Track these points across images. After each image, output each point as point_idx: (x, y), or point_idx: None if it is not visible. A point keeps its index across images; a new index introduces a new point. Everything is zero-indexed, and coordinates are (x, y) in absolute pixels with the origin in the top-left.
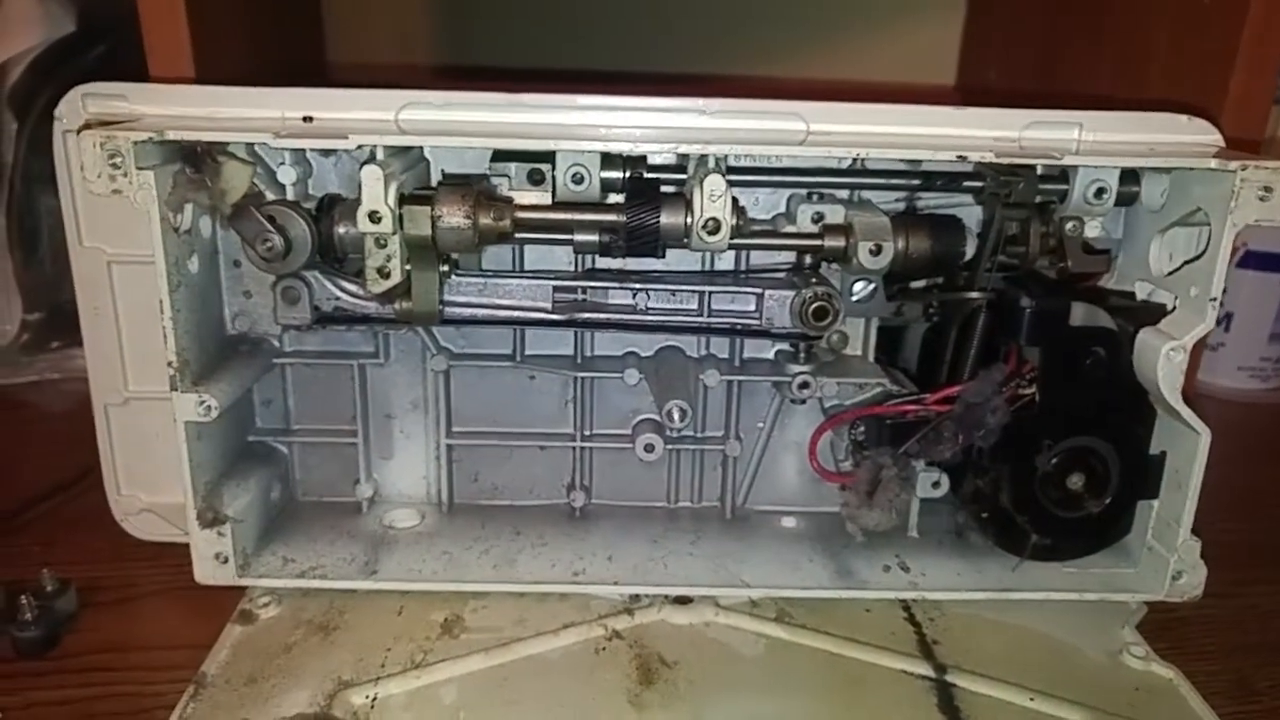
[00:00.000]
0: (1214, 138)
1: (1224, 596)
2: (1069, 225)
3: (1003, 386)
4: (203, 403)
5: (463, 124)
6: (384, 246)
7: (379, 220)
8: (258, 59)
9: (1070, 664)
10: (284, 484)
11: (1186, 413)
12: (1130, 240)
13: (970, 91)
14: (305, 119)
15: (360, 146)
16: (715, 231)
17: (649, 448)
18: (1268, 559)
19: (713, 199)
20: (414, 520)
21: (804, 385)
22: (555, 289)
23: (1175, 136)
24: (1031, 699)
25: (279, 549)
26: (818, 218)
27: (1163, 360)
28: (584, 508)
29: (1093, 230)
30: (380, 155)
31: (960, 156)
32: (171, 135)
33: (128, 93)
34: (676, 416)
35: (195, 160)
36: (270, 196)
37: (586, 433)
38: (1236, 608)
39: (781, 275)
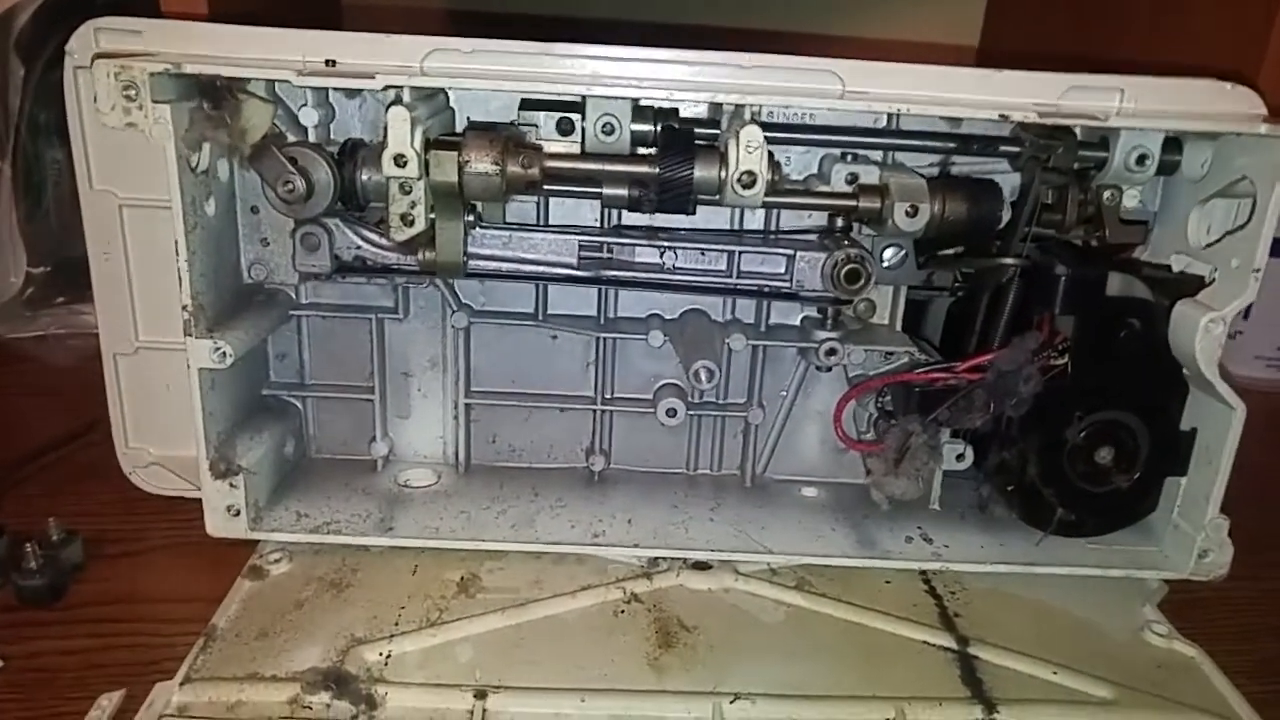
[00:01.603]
0: (1258, 106)
1: (1243, 579)
2: (1107, 194)
3: (1036, 355)
4: (218, 349)
5: (490, 72)
6: (409, 192)
7: (404, 164)
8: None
9: (1092, 640)
10: (298, 440)
11: (1222, 387)
12: (1167, 211)
13: (993, 55)
14: (328, 62)
15: (386, 88)
16: (751, 185)
17: (671, 412)
18: None
19: (749, 150)
20: (430, 479)
21: (831, 352)
22: (581, 245)
23: (1218, 105)
24: (1055, 673)
25: (292, 504)
26: (852, 178)
27: (1201, 332)
28: (603, 472)
29: (1130, 201)
30: (407, 97)
31: (1003, 115)
32: (190, 68)
33: (142, 28)
34: (704, 377)
35: (214, 96)
36: (291, 138)
37: (607, 395)
38: (1256, 591)
39: (812, 237)
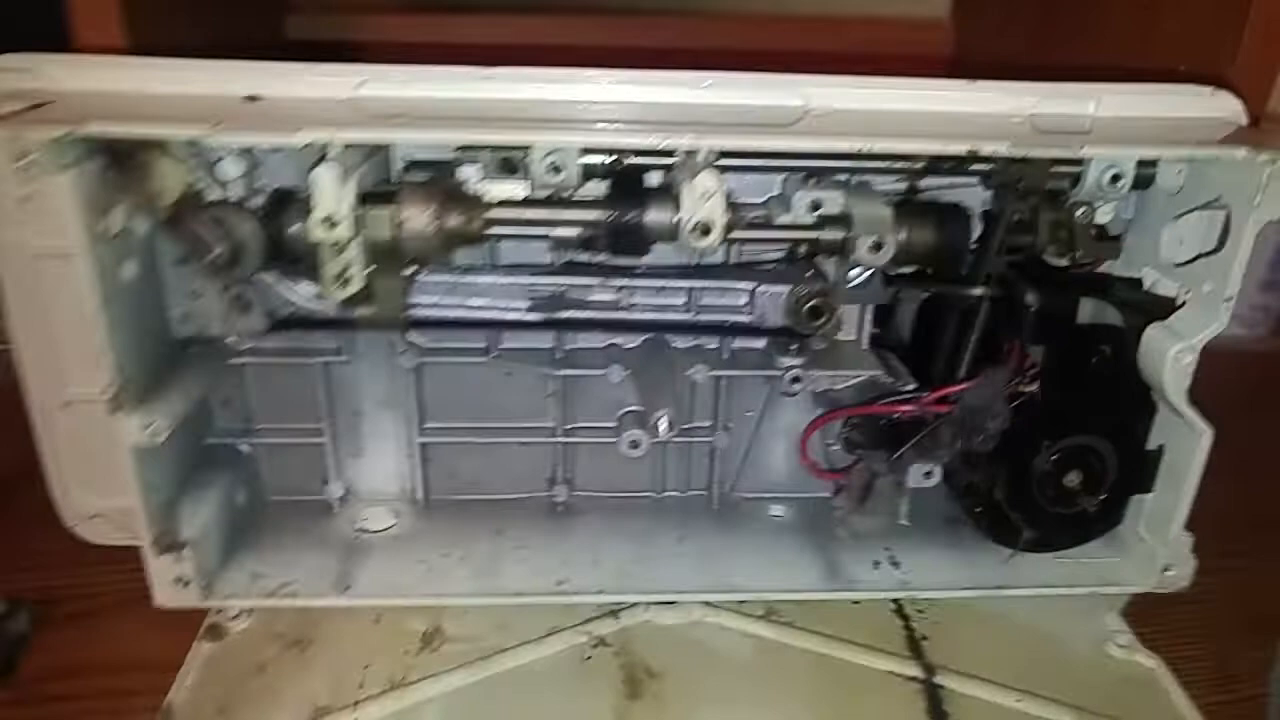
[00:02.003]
0: (1237, 111)
1: (1210, 570)
2: (1079, 211)
3: (1005, 389)
4: (149, 426)
5: (427, 102)
6: (342, 252)
7: (335, 225)
8: (204, 30)
9: (1056, 657)
10: (250, 485)
11: (1190, 414)
12: (1141, 222)
13: (964, 32)
14: (249, 98)
15: (310, 145)
16: (707, 233)
17: (634, 444)
18: (1255, 523)
19: (704, 199)
20: (389, 520)
21: (796, 379)
22: (532, 287)
23: (1197, 111)
24: (1018, 700)
25: (246, 561)
26: (815, 205)
27: (1170, 362)
28: (567, 501)
29: (1103, 215)
30: (334, 151)
31: (972, 151)
32: (92, 129)
33: (44, 65)
34: (663, 429)
35: (121, 156)
36: (213, 193)
37: (568, 426)
38: (1221, 583)
39: (773, 266)
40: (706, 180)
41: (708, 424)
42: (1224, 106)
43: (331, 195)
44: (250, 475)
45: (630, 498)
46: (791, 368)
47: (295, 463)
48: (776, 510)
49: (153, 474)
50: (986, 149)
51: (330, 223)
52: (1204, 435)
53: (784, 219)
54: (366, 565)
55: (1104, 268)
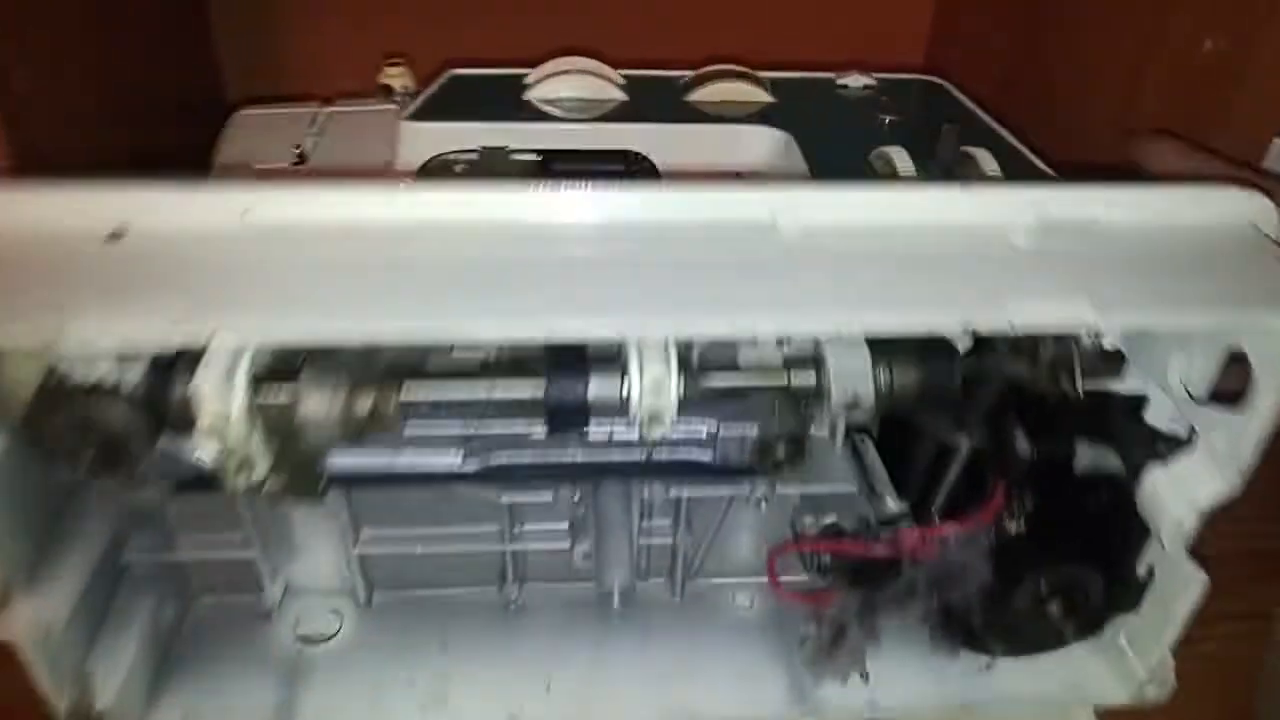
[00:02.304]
0: (1270, 219)
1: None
2: (1084, 334)
3: (988, 546)
4: (45, 614)
5: (325, 230)
6: (238, 448)
7: (223, 426)
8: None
9: None
10: (177, 595)
11: (1186, 566)
12: (1148, 338)
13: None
14: (112, 235)
15: (181, 353)
16: (658, 419)
17: (587, 556)
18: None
19: (655, 392)
20: (331, 626)
21: (762, 500)
22: (466, 437)
23: (1226, 218)
24: None
25: (176, 698)
26: (785, 339)
27: (1170, 520)
28: (518, 599)
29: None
30: (217, 341)
31: (965, 330)
32: None
33: None
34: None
35: None
36: (79, 370)
37: (516, 532)
38: (1196, 662)
39: (737, 399)
40: (657, 370)
41: (667, 524)
42: (1258, 212)
43: (217, 401)
44: (177, 584)
45: (587, 590)
46: (756, 488)
47: (225, 570)
48: (742, 599)
49: (57, 651)
50: (983, 328)
51: (217, 425)
52: (1196, 584)
53: (748, 356)
54: (309, 691)
55: None
